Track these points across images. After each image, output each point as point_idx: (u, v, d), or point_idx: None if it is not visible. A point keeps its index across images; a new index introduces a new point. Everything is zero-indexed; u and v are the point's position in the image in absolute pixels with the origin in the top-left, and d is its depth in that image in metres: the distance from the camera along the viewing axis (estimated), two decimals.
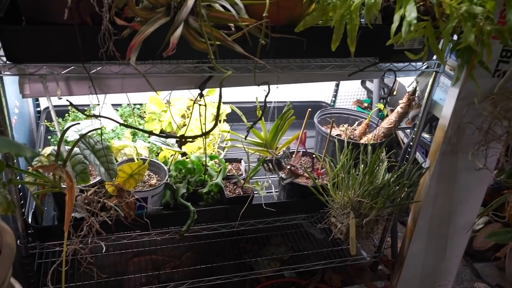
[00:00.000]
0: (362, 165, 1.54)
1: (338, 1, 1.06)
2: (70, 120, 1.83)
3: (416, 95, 1.69)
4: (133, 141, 1.75)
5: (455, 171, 1.54)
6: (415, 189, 1.59)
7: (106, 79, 1.23)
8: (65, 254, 1.04)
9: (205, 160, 1.61)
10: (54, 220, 1.53)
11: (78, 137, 1.19)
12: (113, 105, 1.84)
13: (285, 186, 1.71)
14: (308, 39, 1.17)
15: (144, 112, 1.97)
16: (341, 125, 1.99)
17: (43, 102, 1.99)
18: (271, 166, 1.66)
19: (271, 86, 1.19)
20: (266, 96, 1.20)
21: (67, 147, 1.25)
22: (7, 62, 1.06)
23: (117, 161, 1.54)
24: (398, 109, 1.74)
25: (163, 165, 1.59)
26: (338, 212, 1.54)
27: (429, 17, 1.06)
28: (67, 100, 1.16)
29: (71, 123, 1.64)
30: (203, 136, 1.21)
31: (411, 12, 0.99)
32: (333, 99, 2.41)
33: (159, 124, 1.89)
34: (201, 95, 1.28)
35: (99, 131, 1.26)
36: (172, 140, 1.66)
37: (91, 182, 1.37)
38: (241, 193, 1.62)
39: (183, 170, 1.65)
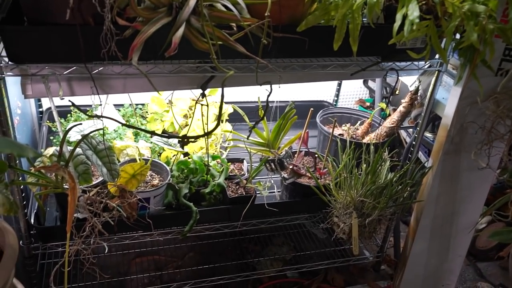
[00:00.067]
0: (365, 165, 1.54)
1: (340, 0, 1.06)
2: (72, 121, 1.84)
3: (419, 94, 1.69)
4: (135, 141, 1.75)
5: (458, 170, 1.53)
6: (418, 188, 1.59)
7: (108, 79, 1.23)
8: (67, 254, 1.04)
9: (207, 160, 1.61)
10: (57, 220, 1.53)
11: (80, 137, 1.19)
12: (115, 105, 1.84)
13: (287, 186, 1.71)
14: (310, 39, 1.17)
15: (146, 112, 1.98)
16: (343, 125, 1.98)
17: (45, 103, 1.99)
18: (273, 166, 1.66)
19: (273, 85, 1.19)
20: (268, 95, 1.20)
21: (69, 148, 1.25)
22: (9, 62, 1.06)
23: (119, 161, 1.54)
24: (401, 108, 1.73)
25: (165, 165, 1.59)
26: (341, 212, 1.53)
27: (431, 16, 1.06)
28: (69, 100, 1.17)
29: (73, 123, 1.65)
30: (205, 136, 1.21)
31: (414, 11, 0.98)
32: (335, 98, 2.41)
33: (161, 124, 1.89)
34: (203, 95, 1.28)
35: (101, 132, 1.26)
36: (174, 140, 1.66)
37: (94, 183, 1.37)
38: (244, 193, 1.62)
39: (185, 170, 1.65)
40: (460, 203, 1.60)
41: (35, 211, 1.47)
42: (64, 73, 1.11)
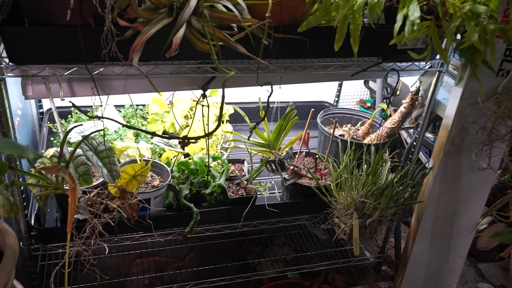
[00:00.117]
0: (365, 166, 1.54)
1: (341, 1, 1.06)
2: (73, 122, 1.84)
3: (420, 94, 1.69)
4: (136, 142, 1.75)
5: (458, 171, 1.53)
6: (419, 189, 1.59)
7: (108, 80, 1.23)
8: (68, 255, 1.04)
9: (208, 161, 1.61)
10: (57, 221, 1.53)
11: (80, 138, 1.19)
12: (115, 106, 1.84)
13: (288, 187, 1.71)
14: (311, 39, 1.17)
15: (147, 113, 1.97)
16: (344, 125, 1.98)
17: (46, 104, 1.99)
18: (274, 167, 1.66)
19: (274, 86, 1.19)
20: (269, 96, 1.20)
21: (70, 149, 1.25)
22: (10, 63, 1.06)
23: (120, 162, 1.54)
24: (401, 109, 1.73)
25: (166, 166, 1.59)
26: (342, 213, 1.53)
27: (432, 17, 1.06)
28: (69, 101, 1.17)
29: (73, 124, 1.64)
30: (206, 137, 1.21)
31: (414, 12, 0.98)
32: (336, 99, 2.40)
33: (162, 125, 1.89)
34: (204, 96, 1.28)
35: (101, 132, 1.26)
36: (175, 141, 1.66)
37: (94, 184, 1.37)
38: (244, 194, 1.62)
39: (186, 171, 1.65)
40: (461, 204, 1.60)
41: (35, 212, 1.47)
42: (65, 74, 1.11)
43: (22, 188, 1.29)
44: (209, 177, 1.62)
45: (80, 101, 1.26)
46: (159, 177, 1.59)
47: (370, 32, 1.13)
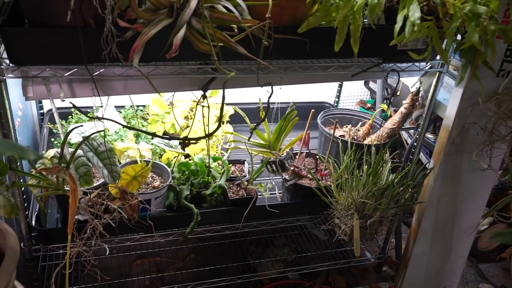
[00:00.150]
0: (366, 166, 1.53)
1: (341, 1, 1.06)
2: (73, 122, 1.84)
3: (420, 95, 1.69)
4: (136, 143, 1.75)
5: (459, 171, 1.53)
6: (419, 190, 1.59)
7: (109, 81, 1.23)
8: (68, 256, 1.04)
9: (209, 162, 1.61)
10: (58, 222, 1.53)
11: (81, 139, 1.19)
12: (116, 107, 1.84)
13: (288, 188, 1.71)
14: (311, 40, 1.17)
15: (147, 113, 1.97)
16: (344, 126, 1.98)
17: (46, 105, 1.99)
18: (274, 168, 1.66)
19: (274, 87, 1.19)
20: (269, 97, 1.20)
21: (71, 150, 1.25)
22: (10, 64, 1.06)
23: (120, 163, 1.54)
24: (402, 109, 1.73)
25: (166, 167, 1.59)
26: (342, 213, 1.53)
27: (432, 17, 1.06)
28: (70, 102, 1.17)
29: (74, 125, 1.64)
30: (206, 138, 1.21)
31: (415, 12, 0.98)
32: (336, 99, 2.40)
33: (162, 126, 1.89)
34: (204, 97, 1.28)
35: (102, 133, 1.26)
36: (175, 142, 1.66)
37: (95, 185, 1.37)
38: (245, 194, 1.62)
39: (187, 172, 1.65)
40: (461, 204, 1.60)
41: (36, 213, 1.47)
42: (65, 75, 1.11)
43: (23, 189, 1.29)
44: (209, 177, 1.62)
45: (80, 102, 1.26)
46: (160, 178, 1.59)
47: (371, 33, 1.13)
